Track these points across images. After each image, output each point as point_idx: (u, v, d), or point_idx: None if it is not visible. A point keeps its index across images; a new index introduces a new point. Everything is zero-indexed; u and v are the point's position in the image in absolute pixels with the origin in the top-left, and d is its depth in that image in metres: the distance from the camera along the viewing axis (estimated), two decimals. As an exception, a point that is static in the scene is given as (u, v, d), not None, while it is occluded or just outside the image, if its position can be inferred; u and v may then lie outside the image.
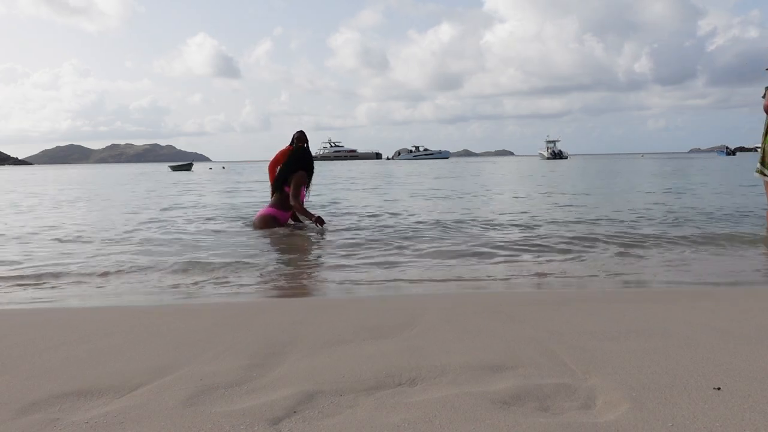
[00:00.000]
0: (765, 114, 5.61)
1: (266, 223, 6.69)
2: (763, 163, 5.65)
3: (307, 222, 6.89)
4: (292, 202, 6.63)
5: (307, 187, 6.85)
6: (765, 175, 5.64)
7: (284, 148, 7.64)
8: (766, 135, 5.65)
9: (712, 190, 13.09)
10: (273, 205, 6.81)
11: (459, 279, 4.00)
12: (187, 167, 56.71)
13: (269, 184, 7.59)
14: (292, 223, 6.98)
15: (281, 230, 6.50)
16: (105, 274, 4.32)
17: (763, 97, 5.59)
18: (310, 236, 6.27)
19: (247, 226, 7.09)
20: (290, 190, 6.65)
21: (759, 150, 5.76)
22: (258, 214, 6.97)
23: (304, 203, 6.83)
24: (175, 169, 55.77)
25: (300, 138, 7.65)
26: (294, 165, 6.72)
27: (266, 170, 7.79)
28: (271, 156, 7.86)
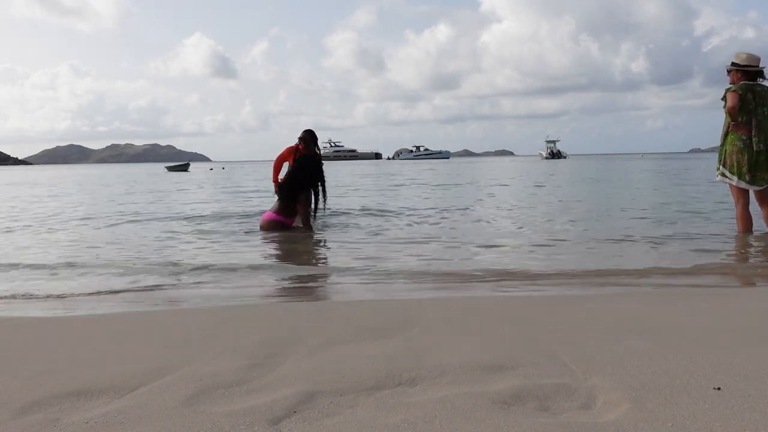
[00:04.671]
0: (726, 116, 5.56)
1: (273, 227, 6.66)
2: (724, 165, 5.57)
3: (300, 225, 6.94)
4: (303, 219, 6.71)
5: (317, 198, 6.85)
6: (725, 176, 5.57)
7: (292, 146, 7.55)
8: (725, 138, 5.58)
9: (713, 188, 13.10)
10: (279, 211, 6.74)
11: (459, 279, 3.99)
12: (184, 168, 55.33)
13: (272, 180, 7.60)
14: (297, 226, 6.96)
15: (283, 233, 6.49)
16: (103, 275, 4.32)
17: (723, 98, 5.53)
18: (311, 238, 6.27)
19: (248, 228, 7.09)
20: (300, 209, 6.70)
21: (719, 151, 5.71)
22: (264, 218, 6.90)
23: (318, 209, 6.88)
24: (171, 169, 53.79)
25: (305, 139, 7.52)
26: (300, 184, 6.69)
27: (266, 170, 7.79)
28: (275, 154, 7.83)
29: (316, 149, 7.24)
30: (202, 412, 1.63)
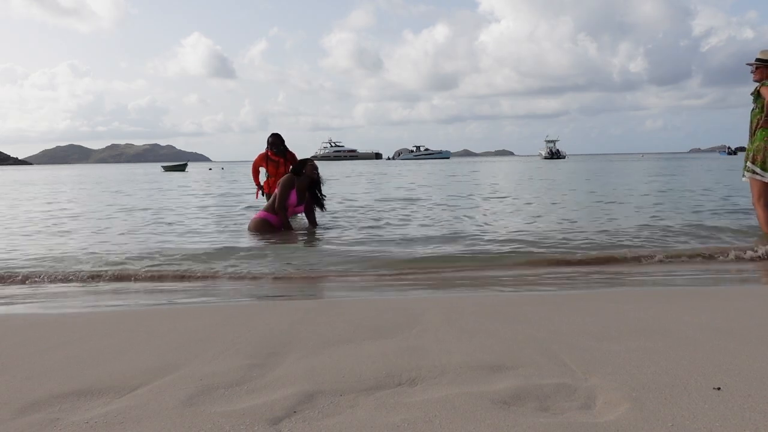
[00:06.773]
0: (753, 114, 5.53)
1: (261, 226, 6.67)
2: (754, 161, 5.56)
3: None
4: (312, 220, 6.97)
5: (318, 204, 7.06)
6: (756, 173, 5.55)
7: (263, 152, 7.96)
8: (753, 135, 5.58)
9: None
10: (270, 210, 6.80)
11: (459, 279, 3.99)
12: (181, 168, 54.10)
13: (254, 183, 7.95)
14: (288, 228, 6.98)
15: (282, 234, 6.49)
16: (104, 275, 4.32)
17: (752, 94, 5.49)
18: (310, 238, 6.27)
19: (245, 228, 7.09)
20: (308, 212, 6.97)
21: (748, 149, 5.68)
22: (254, 217, 6.96)
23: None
24: (168, 169, 52.70)
25: (273, 143, 7.94)
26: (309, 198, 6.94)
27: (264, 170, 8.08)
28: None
29: (285, 148, 7.82)
30: (202, 412, 1.63)
